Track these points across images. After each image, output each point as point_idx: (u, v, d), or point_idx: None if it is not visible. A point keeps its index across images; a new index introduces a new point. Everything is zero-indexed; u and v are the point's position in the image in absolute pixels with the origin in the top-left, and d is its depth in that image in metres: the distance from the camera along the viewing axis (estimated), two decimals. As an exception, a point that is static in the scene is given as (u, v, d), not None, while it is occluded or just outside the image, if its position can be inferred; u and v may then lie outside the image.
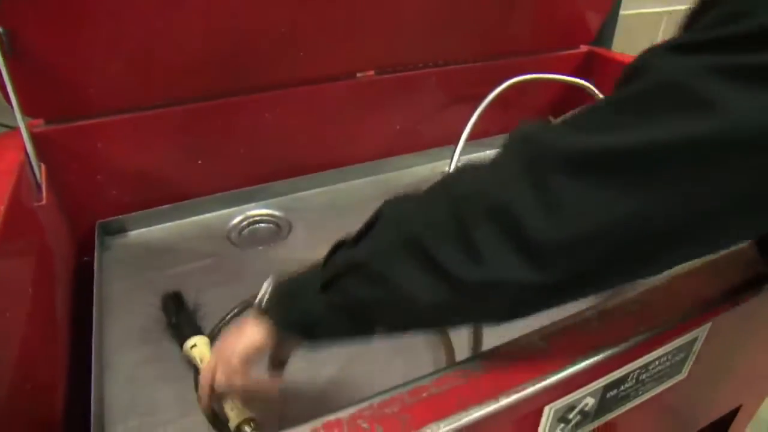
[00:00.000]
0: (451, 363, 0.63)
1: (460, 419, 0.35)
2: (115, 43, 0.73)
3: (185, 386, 0.60)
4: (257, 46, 0.81)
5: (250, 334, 0.46)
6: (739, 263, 0.50)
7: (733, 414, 0.90)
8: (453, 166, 0.88)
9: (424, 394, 0.36)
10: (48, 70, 0.72)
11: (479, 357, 0.39)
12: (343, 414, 0.35)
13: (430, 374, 0.38)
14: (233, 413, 0.50)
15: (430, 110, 1.01)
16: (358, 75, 0.93)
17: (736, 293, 0.48)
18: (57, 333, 0.65)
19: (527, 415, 0.47)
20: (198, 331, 0.63)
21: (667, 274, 0.51)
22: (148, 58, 0.76)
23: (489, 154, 0.35)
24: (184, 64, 0.79)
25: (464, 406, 0.35)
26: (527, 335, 0.42)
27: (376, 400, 0.36)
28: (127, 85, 0.78)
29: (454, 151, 0.88)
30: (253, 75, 0.84)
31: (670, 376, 0.60)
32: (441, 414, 0.35)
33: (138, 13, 0.72)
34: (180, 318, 0.64)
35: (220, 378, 0.46)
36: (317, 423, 0.34)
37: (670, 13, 1.38)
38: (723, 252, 0.53)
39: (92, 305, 0.67)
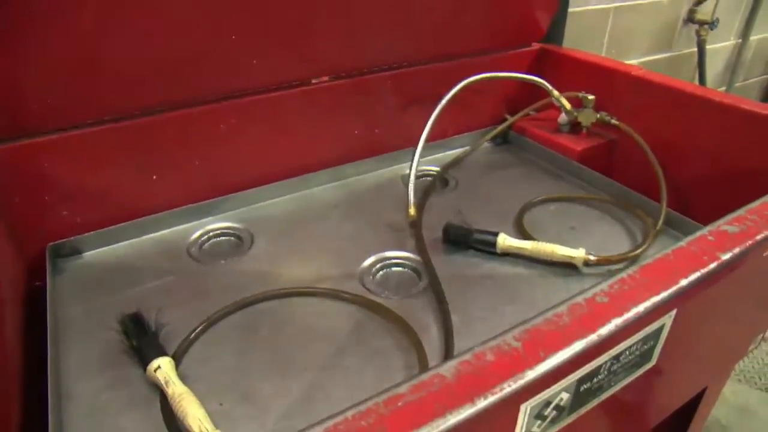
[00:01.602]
0: (425, 368, 0.62)
1: (438, 427, 0.34)
2: (56, 57, 0.70)
3: (152, 410, 0.58)
4: (208, 54, 0.80)
5: None
6: (704, 249, 0.52)
7: (699, 396, 0.93)
8: (413, 169, 0.88)
9: (400, 403, 0.35)
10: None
11: (453, 360, 0.39)
12: (317, 428, 0.34)
13: (404, 381, 0.37)
14: None
15: (388, 113, 1.01)
16: (313, 81, 0.92)
17: (701, 279, 0.49)
18: (6, 364, 0.61)
19: (504, 415, 0.47)
20: (162, 353, 0.61)
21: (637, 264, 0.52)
22: (91, 71, 0.74)
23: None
24: (131, 77, 0.76)
25: (441, 412, 0.35)
26: (501, 335, 0.41)
27: (350, 413, 0.35)
28: (71, 101, 0.75)
29: (414, 153, 0.88)
30: (205, 85, 0.82)
31: (640, 365, 0.62)
32: (419, 422, 0.34)
33: (78, 23, 0.69)
34: (141, 340, 0.62)
35: None
36: (290, 442, 0.33)
37: (617, 8, 1.42)
38: (689, 238, 0.54)
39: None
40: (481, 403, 0.36)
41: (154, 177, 0.84)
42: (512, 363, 0.39)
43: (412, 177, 0.87)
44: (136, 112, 0.80)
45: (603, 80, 1.04)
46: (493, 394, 0.36)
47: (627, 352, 0.57)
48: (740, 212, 0.57)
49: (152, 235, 0.86)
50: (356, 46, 0.93)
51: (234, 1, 0.76)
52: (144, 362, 0.59)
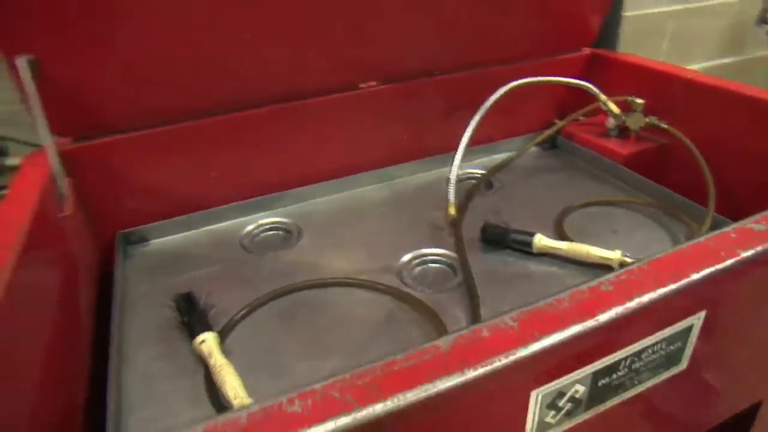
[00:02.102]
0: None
1: (426, 391, 0.38)
2: (132, 66, 0.79)
3: (196, 379, 0.64)
4: (262, 62, 0.86)
5: None
6: (723, 245, 0.51)
7: (753, 410, 0.89)
8: (454, 170, 0.90)
9: (395, 368, 0.39)
10: (72, 92, 0.78)
11: (451, 335, 0.42)
12: (318, 385, 0.38)
13: (402, 350, 0.40)
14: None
15: (435, 118, 1.05)
16: (361, 86, 0.97)
17: (716, 274, 0.49)
18: (80, 334, 0.70)
19: (513, 399, 0.50)
20: (208, 328, 0.67)
21: (649, 255, 0.52)
22: (161, 78, 0.82)
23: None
24: (194, 83, 0.84)
25: (430, 379, 0.38)
26: (500, 315, 0.44)
27: (350, 373, 0.39)
28: (143, 104, 0.84)
29: (455, 155, 0.91)
30: (260, 90, 0.89)
31: (667, 367, 0.61)
32: (409, 386, 0.37)
33: (151, 37, 0.78)
34: (191, 317, 0.68)
35: None
36: (293, 393, 0.37)
37: (678, 11, 1.38)
38: (710, 234, 0.54)
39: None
40: (470, 374, 0.39)
41: (213, 174, 0.92)
42: (506, 340, 0.41)
43: (453, 178, 0.90)
44: (199, 115, 0.88)
45: (654, 84, 1.02)
46: (483, 366, 0.39)
47: (650, 351, 0.58)
48: (772, 211, 0.56)
49: (210, 227, 0.93)
50: (403, 52, 0.97)
51: (286, 10, 0.82)
52: (192, 336, 0.66)
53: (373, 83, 0.98)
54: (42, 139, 0.75)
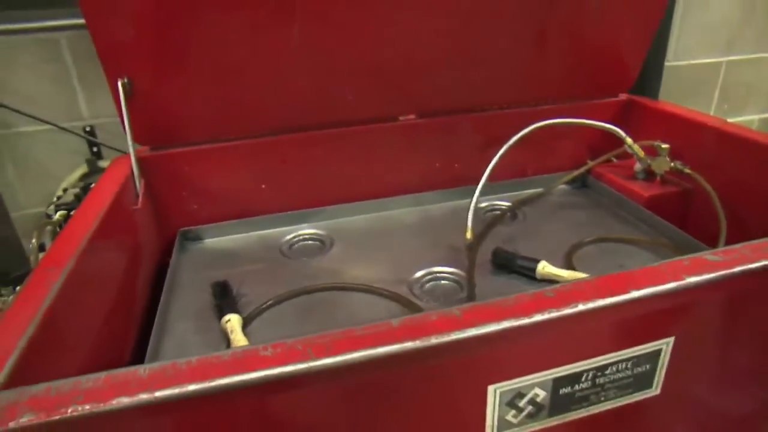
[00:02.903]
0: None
1: (371, 353, 0.46)
2: (204, 91, 0.95)
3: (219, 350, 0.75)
4: (313, 91, 1.00)
5: None
6: (671, 271, 0.57)
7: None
8: (475, 197, 0.98)
9: (352, 334, 0.48)
10: (154, 110, 0.95)
11: (405, 317, 0.51)
12: (288, 340, 0.48)
13: (363, 326, 0.49)
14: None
15: (468, 151, 1.14)
16: (401, 118, 1.08)
17: (656, 294, 0.54)
18: (135, 303, 0.84)
19: (469, 388, 0.57)
20: (235, 311, 0.79)
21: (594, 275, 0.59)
22: (228, 102, 0.97)
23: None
24: (254, 107, 0.99)
25: (376, 344, 0.47)
26: (448, 309, 0.52)
27: (315, 336, 0.48)
28: (210, 122, 0.99)
29: (476, 189, 0.98)
30: (308, 115, 1.02)
31: (638, 389, 0.65)
32: (357, 347, 0.47)
33: (223, 67, 0.93)
34: (222, 300, 0.80)
35: None
36: (267, 344, 0.47)
37: (730, 61, 1.40)
38: (666, 261, 0.59)
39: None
40: (410, 344, 0.47)
41: (263, 186, 1.06)
42: (447, 323, 0.49)
43: (473, 205, 0.98)
44: (256, 134, 1.03)
45: (683, 131, 1.06)
46: (422, 340, 0.47)
47: (614, 368, 0.63)
48: (736, 246, 0.61)
49: (256, 232, 1.07)
50: (442, 88, 1.08)
51: (340, 43, 0.95)
52: (220, 316, 0.78)
53: (412, 116, 1.09)
54: (127, 146, 0.92)
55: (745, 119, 1.49)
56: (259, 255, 1.00)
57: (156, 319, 0.79)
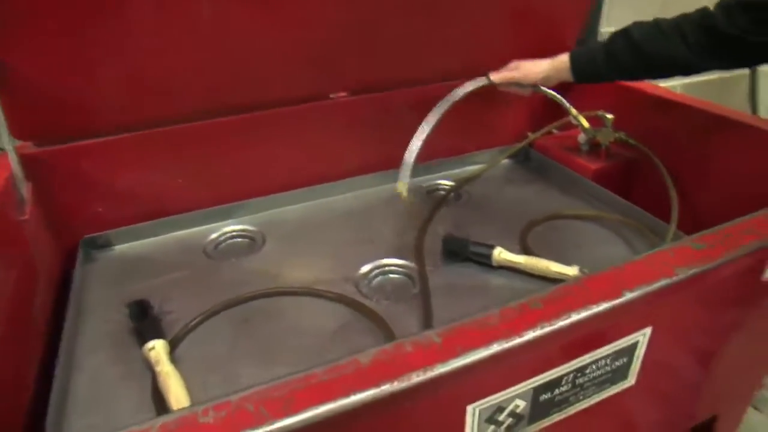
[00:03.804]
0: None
1: (342, 404, 0.38)
2: (99, 72, 0.79)
3: (144, 385, 0.64)
4: (231, 69, 0.87)
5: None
6: (659, 264, 0.52)
7: (709, 425, 0.89)
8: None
9: (313, 381, 0.39)
10: (36, 97, 0.78)
11: (374, 349, 0.42)
12: (234, 396, 0.38)
13: (323, 364, 0.40)
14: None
15: (404, 129, 1.04)
16: (332, 96, 0.98)
17: (649, 293, 0.49)
18: (32, 337, 0.70)
19: (446, 412, 0.50)
20: (159, 336, 0.67)
21: (582, 277, 0.53)
22: (128, 85, 0.82)
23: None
24: (162, 91, 0.85)
25: (347, 393, 0.38)
26: (424, 333, 0.44)
27: (267, 385, 0.39)
28: (110, 111, 0.84)
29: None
30: (226, 97, 0.89)
31: (614, 382, 0.61)
32: (324, 399, 0.38)
33: (121, 44, 0.78)
34: (142, 323, 0.68)
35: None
36: (209, 404, 0.37)
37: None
38: (649, 252, 0.54)
39: (69, 313, 0.72)
40: (386, 389, 0.39)
41: (180, 181, 0.92)
42: (426, 356, 0.41)
43: (411, 158, 0.90)
44: (166, 123, 0.88)
45: (626, 100, 1.03)
46: (400, 382, 0.39)
47: (594, 367, 0.58)
48: (715, 229, 0.57)
49: (175, 233, 0.94)
50: (375, 63, 0.98)
51: (258, 20, 0.83)
52: (141, 343, 0.66)
53: (343, 94, 0.99)
54: (3, 142, 0.75)
55: (669, 85, 1.50)
56: (180, 260, 0.88)
57: (61, 351, 0.66)
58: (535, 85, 0.96)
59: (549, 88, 0.99)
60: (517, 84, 0.96)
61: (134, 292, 0.77)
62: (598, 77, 0.89)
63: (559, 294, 0.48)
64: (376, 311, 0.73)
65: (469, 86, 0.96)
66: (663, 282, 0.49)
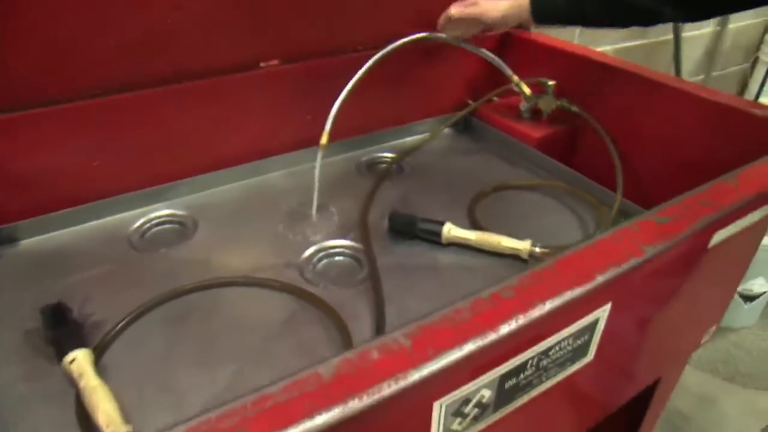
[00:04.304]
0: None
1: (305, 429, 0.33)
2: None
3: (67, 403, 0.56)
4: (149, 35, 0.77)
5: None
6: (627, 242, 0.50)
7: (653, 388, 0.92)
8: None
9: (268, 404, 0.34)
10: None
11: (335, 358, 0.37)
12: (177, 429, 0.32)
13: (278, 380, 0.35)
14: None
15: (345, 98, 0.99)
16: (262, 65, 0.90)
17: (620, 274, 0.47)
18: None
19: (413, 413, 0.46)
20: (80, 344, 0.59)
21: (551, 259, 0.50)
22: (31, 51, 0.71)
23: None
24: (73, 56, 0.74)
25: (310, 414, 0.33)
26: (393, 332, 0.40)
27: (215, 413, 0.33)
28: (10, 82, 0.73)
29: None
30: (144, 67, 0.80)
31: (574, 360, 0.60)
32: (284, 424, 0.33)
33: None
34: (60, 331, 0.60)
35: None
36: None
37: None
38: (614, 229, 0.52)
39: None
40: (355, 405, 0.34)
41: (96, 163, 0.82)
42: (396, 362, 0.37)
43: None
44: (74, 95, 0.78)
45: (566, 66, 1.01)
46: (369, 395, 0.35)
47: (557, 348, 0.56)
48: (674, 202, 0.55)
49: (93, 222, 0.84)
50: (307, 28, 0.91)
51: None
52: (60, 354, 0.58)
53: (275, 62, 0.91)
54: None
55: (602, 49, 1.51)
56: (101, 252, 0.79)
57: (-38, 371, 0.57)
58: (484, 29, 0.93)
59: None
60: (470, 23, 0.92)
61: (48, 294, 0.68)
62: (558, 19, 0.85)
63: (530, 281, 0.45)
64: (324, 299, 0.68)
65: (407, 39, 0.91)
66: (633, 262, 0.47)
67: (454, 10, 0.91)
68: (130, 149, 0.84)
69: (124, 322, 0.65)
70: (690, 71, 1.91)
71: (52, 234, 0.81)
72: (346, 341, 0.63)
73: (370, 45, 0.96)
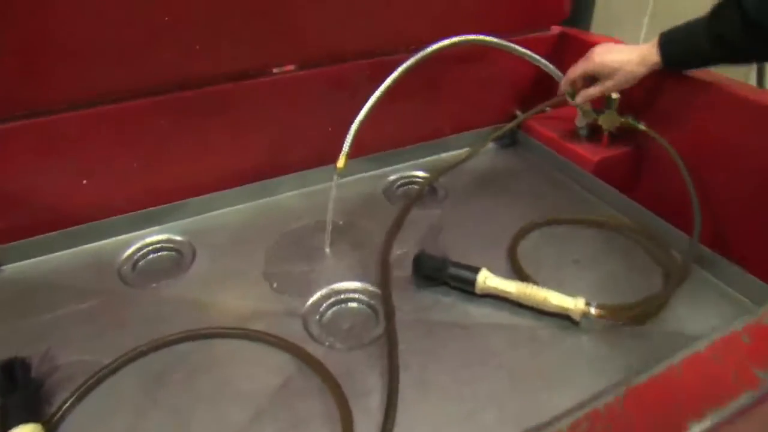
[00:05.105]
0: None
1: None
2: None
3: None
4: (149, 39, 0.67)
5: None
6: None
7: None
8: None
9: None
10: None
11: None
12: None
13: None
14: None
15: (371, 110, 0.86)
16: (275, 71, 0.78)
17: None
18: None
19: None
20: (31, 415, 0.50)
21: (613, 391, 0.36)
22: (18, 59, 0.63)
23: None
24: (56, 67, 0.65)
25: None
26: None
27: None
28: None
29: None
30: (139, 75, 0.70)
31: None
32: None
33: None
34: (9, 398, 0.51)
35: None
36: None
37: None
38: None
39: None
40: None
41: (85, 182, 0.73)
42: None
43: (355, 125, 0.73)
44: (62, 106, 0.68)
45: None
46: None
47: None
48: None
49: (83, 247, 0.75)
50: (328, 29, 0.78)
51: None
52: (4, 428, 0.49)
53: (290, 67, 0.79)
54: None
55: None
56: (87, 284, 0.70)
57: None
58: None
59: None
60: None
61: (19, 335, 0.60)
62: (698, 61, 0.74)
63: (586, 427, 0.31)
64: (327, 368, 0.57)
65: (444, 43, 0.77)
66: (743, 399, 0.33)
67: (579, 99, 0.83)
68: (123, 166, 0.74)
69: (88, 384, 0.55)
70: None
71: (37, 259, 0.73)
72: (346, 423, 0.51)
73: (401, 48, 0.83)
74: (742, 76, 1.51)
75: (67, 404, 0.53)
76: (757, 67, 1.42)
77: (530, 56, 0.85)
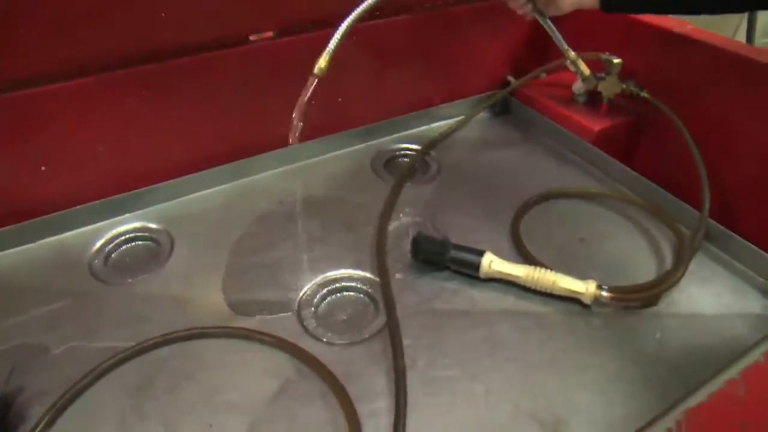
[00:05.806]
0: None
1: None
2: None
3: None
4: (116, 7, 0.59)
5: None
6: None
7: None
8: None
9: None
10: None
11: None
12: None
13: None
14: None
15: (353, 79, 0.80)
16: (252, 38, 0.71)
17: None
18: None
19: None
20: (-1, 440, 0.44)
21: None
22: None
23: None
24: (19, 33, 0.57)
25: None
26: None
27: None
28: None
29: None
30: (101, 47, 0.62)
31: None
32: None
33: None
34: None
35: None
36: None
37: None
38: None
39: None
40: None
41: (43, 168, 0.66)
42: None
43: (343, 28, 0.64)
44: (12, 84, 0.60)
45: (634, 39, 0.81)
46: None
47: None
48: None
49: (48, 239, 0.68)
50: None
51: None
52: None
53: (269, 34, 0.72)
54: None
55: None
56: (54, 283, 0.63)
57: None
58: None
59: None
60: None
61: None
62: (630, 6, 0.67)
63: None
64: (330, 371, 0.52)
65: None
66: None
67: None
68: (86, 149, 0.67)
69: (60, 403, 0.50)
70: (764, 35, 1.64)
71: (-3, 255, 0.66)
72: (354, 429, 0.48)
73: (389, 12, 0.76)
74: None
75: (41, 425, 0.48)
76: (747, 21, 1.39)
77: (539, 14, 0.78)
